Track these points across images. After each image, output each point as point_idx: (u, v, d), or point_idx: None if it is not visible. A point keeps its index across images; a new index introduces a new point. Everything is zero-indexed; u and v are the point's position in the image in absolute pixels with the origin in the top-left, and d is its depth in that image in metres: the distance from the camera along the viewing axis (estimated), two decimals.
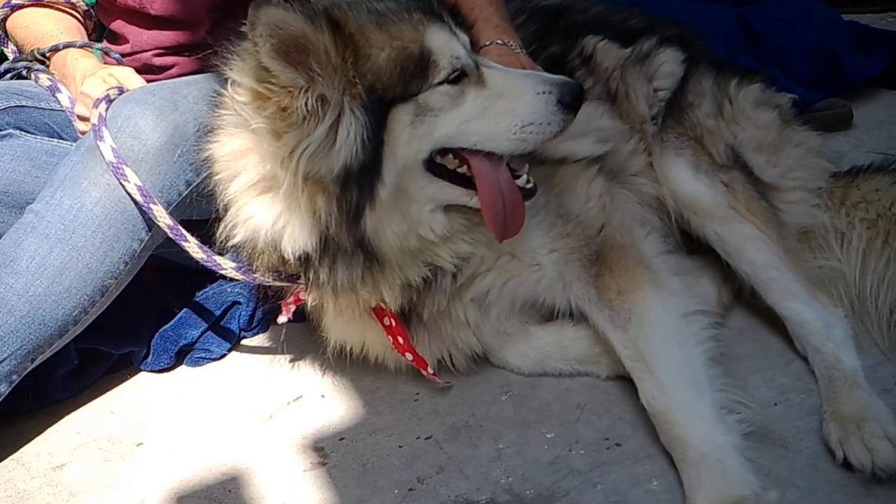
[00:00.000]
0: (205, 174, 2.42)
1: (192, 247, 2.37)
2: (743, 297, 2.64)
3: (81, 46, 2.82)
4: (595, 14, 2.96)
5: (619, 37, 2.83)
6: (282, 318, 2.45)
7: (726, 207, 2.53)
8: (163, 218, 2.37)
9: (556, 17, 2.86)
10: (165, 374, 2.84)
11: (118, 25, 2.87)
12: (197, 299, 2.90)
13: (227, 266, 2.36)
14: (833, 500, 1.96)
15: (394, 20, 2.04)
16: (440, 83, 2.03)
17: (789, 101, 2.89)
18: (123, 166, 2.36)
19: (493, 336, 2.48)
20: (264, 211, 2.10)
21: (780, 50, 3.92)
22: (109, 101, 2.49)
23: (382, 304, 2.27)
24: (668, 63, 2.80)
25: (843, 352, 2.29)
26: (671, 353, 2.20)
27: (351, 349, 2.50)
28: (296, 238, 2.07)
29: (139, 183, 2.37)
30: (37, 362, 2.41)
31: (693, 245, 2.69)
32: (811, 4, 4.35)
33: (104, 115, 2.43)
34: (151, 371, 2.83)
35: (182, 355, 2.86)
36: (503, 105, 2.07)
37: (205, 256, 2.36)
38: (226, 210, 2.20)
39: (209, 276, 2.96)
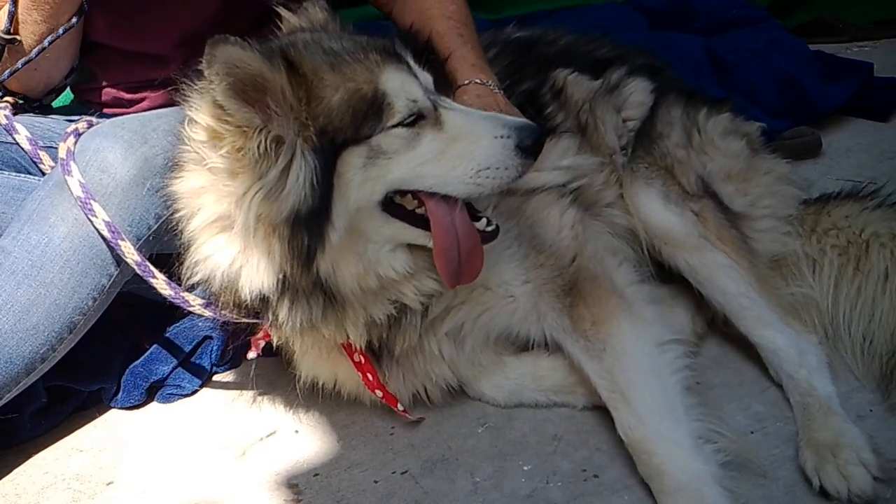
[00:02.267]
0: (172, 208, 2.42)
1: (160, 283, 2.34)
2: (717, 325, 2.65)
3: None
4: (565, 45, 2.98)
5: (590, 68, 2.85)
6: (251, 355, 2.42)
7: (697, 237, 2.54)
8: (131, 254, 2.34)
9: (526, 49, 2.87)
10: (136, 411, 2.79)
11: (87, 60, 2.85)
12: (167, 335, 2.86)
13: (194, 303, 2.33)
14: None
15: (348, 61, 2.01)
16: (394, 126, 1.99)
17: (758, 129, 2.93)
18: (91, 201, 2.33)
19: (468, 368, 2.46)
20: (222, 250, 2.08)
21: (749, 79, 3.99)
22: (78, 134, 2.47)
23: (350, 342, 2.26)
24: (637, 93, 2.82)
25: (817, 378, 2.30)
26: (647, 382, 2.20)
27: (323, 384, 2.48)
28: (252, 279, 2.04)
29: (107, 219, 2.34)
30: (3, 401, 2.36)
31: (666, 274, 2.68)
32: (778, 34, 4.44)
33: (72, 148, 2.41)
34: (122, 408, 2.78)
35: (153, 391, 2.81)
36: (460, 148, 2.02)
37: (172, 293, 2.33)
38: (187, 247, 2.18)
39: (180, 311, 2.94)
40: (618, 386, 2.21)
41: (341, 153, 1.96)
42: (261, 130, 1.91)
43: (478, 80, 2.48)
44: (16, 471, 2.57)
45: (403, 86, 2.02)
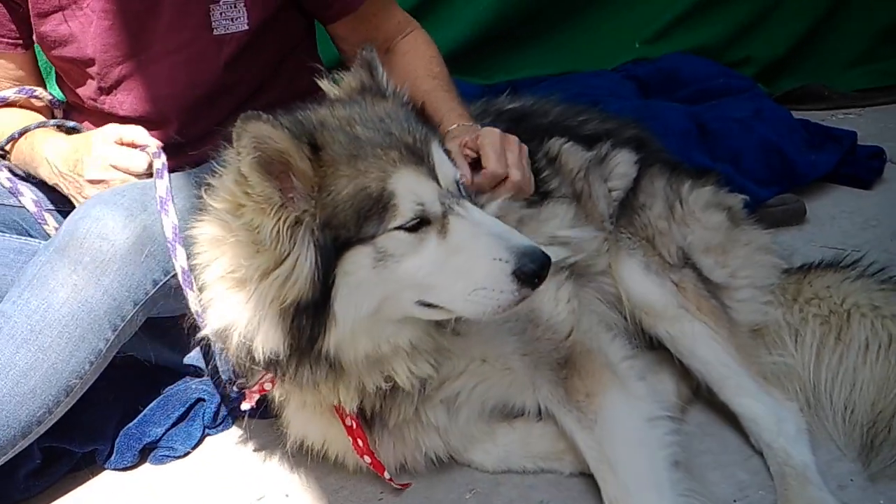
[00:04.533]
0: (173, 272, 2.48)
1: (195, 297, 2.35)
2: (702, 393, 2.68)
3: (38, 127, 2.85)
4: (556, 116, 3.06)
5: (581, 140, 2.92)
6: (245, 406, 2.44)
7: (676, 307, 2.60)
8: (182, 261, 2.40)
9: (519, 120, 2.95)
10: (129, 473, 2.80)
11: (87, 125, 2.92)
12: (162, 396, 2.90)
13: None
14: None
15: (366, 155, 1.99)
16: (396, 228, 1.97)
17: (741, 201, 2.99)
18: (169, 203, 2.44)
19: (459, 439, 2.49)
20: (238, 308, 2.08)
21: (734, 147, 4.05)
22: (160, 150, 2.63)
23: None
24: (622, 164, 2.89)
25: (795, 447, 2.34)
26: (635, 455, 2.23)
27: (311, 445, 2.50)
28: (267, 342, 2.06)
29: (176, 223, 2.43)
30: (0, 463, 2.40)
31: (652, 342, 2.74)
32: (763, 104, 4.54)
33: (165, 162, 2.57)
34: (115, 469, 2.79)
35: (146, 453, 2.83)
36: (459, 263, 1.98)
37: (201, 310, 2.32)
38: (200, 290, 2.22)
39: (174, 373, 2.99)
40: (606, 457, 2.25)
41: (347, 251, 1.97)
42: (279, 209, 1.94)
43: (462, 124, 2.59)
44: None
45: (414, 188, 1.98)
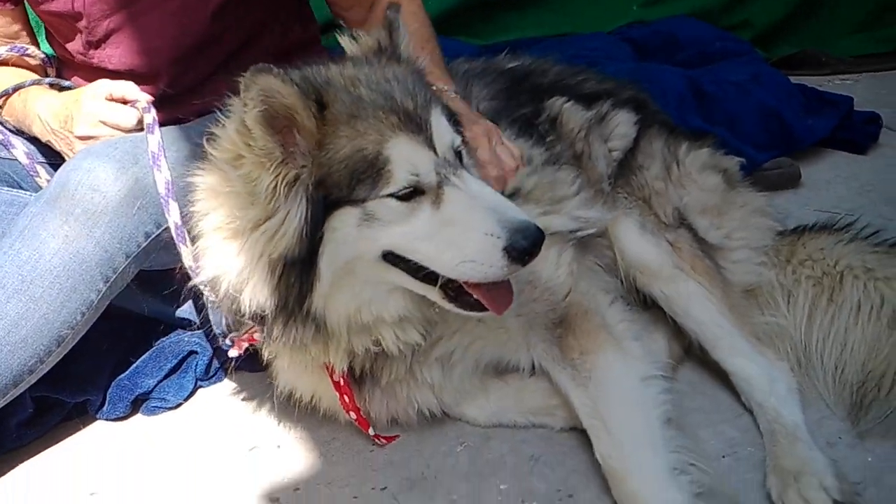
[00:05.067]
0: (165, 225, 2.47)
1: (188, 252, 2.36)
2: (693, 351, 2.69)
3: (32, 84, 2.83)
4: (555, 76, 3.04)
5: (580, 99, 2.91)
6: (233, 353, 2.45)
7: (671, 267, 2.60)
8: (175, 216, 2.39)
9: (521, 79, 2.93)
10: (121, 423, 2.82)
11: (76, 80, 2.89)
12: (154, 348, 2.90)
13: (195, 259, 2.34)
14: None
15: (367, 116, 1.98)
16: (388, 195, 1.97)
17: (737, 164, 3.00)
18: (161, 158, 2.42)
19: (452, 395, 2.50)
20: (230, 260, 2.09)
21: (731, 112, 4.05)
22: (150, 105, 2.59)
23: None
24: (622, 125, 2.88)
25: (785, 406, 2.35)
26: (628, 413, 2.25)
27: (300, 398, 2.51)
28: (255, 296, 2.07)
29: (168, 178, 2.41)
30: None
31: (645, 302, 2.75)
32: (761, 68, 4.53)
33: (155, 117, 2.53)
34: (107, 420, 2.81)
35: (138, 404, 2.84)
36: (450, 234, 1.97)
37: (194, 265, 2.33)
38: (195, 240, 2.23)
39: (167, 325, 2.99)
40: (600, 414, 2.26)
41: (336, 210, 1.97)
42: (279, 164, 1.94)
43: (440, 86, 2.51)
44: (0, 480, 2.58)
45: (409, 157, 1.97)
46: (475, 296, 2.07)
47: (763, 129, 4.00)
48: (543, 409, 2.50)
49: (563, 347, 2.38)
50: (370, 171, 1.95)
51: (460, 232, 1.97)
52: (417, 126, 2.02)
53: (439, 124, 2.07)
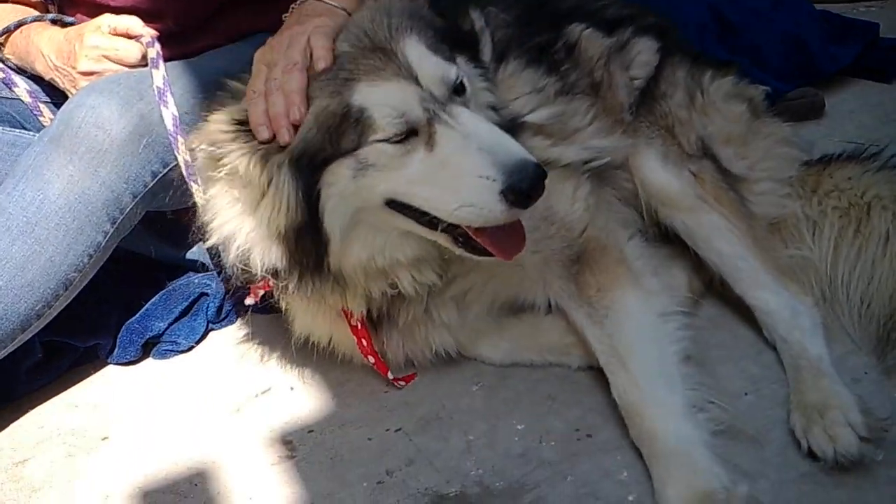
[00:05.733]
0: (174, 163, 2.42)
1: (199, 190, 2.33)
2: (714, 287, 2.63)
3: (34, 21, 2.75)
4: (574, 2, 2.92)
5: (601, 25, 2.80)
6: (249, 301, 2.42)
7: (694, 197, 2.52)
8: (183, 152, 2.36)
9: (539, 5, 2.81)
10: (132, 367, 2.80)
11: (80, 18, 2.81)
12: (164, 291, 2.87)
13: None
14: (802, 491, 1.96)
15: (315, 79, 1.95)
16: (379, 141, 1.90)
17: (762, 93, 2.89)
18: (167, 93, 2.40)
19: (468, 334, 2.46)
20: (238, 222, 2.07)
21: (753, 40, 3.91)
22: (154, 39, 2.56)
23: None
24: (644, 52, 2.77)
25: (810, 340, 2.29)
26: (645, 349, 2.19)
27: (317, 341, 2.48)
28: (264, 257, 2.05)
29: (175, 113, 2.39)
30: None
31: (665, 235, 2.67)
32: None
33: (159, 51, 2.50)
34: (117, 364, 2.79)
35: (149, 348, 2.82)
36: (445, 177, 1.88)
37: (205, 202, 2.29)
38: (205, 192, 2.20)
39: (176, 268, 2.95)
40: (616, 351, 2.20)
41: (328, 166, 1.93)
42: (248, 151, 1.96)
43: None
44: (11, 426, 2.59)
45: (385, 98, 1.89)
46: (480, 242, 1.99)
47: (786, 58, 3.87)
48: (559, 348, 2.45)
49: (579, 284, 2.32)
50: (347, 124, 1.89)
51: (454, 175, 1.88)
52: (384, 61, 1.93)
53: (417, 54, 1.95)
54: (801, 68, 3.86)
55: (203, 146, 2.01)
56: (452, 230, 2.01)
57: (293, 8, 2.25)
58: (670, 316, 2.27)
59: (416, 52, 1.95)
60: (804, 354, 2.26)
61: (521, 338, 2.50)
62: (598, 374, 2.31)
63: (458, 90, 1.98)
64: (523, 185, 1.82)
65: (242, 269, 2.15)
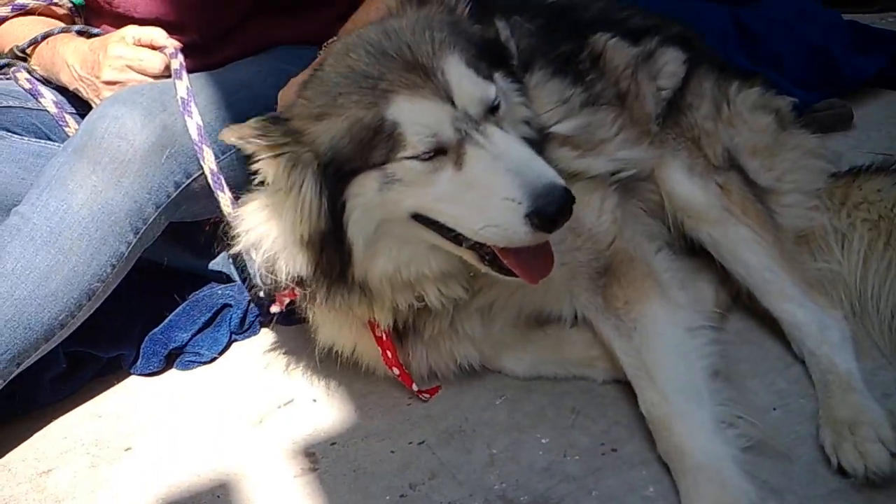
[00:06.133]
0: (197, 173, 2.42)
1: (226, 199, 2.39)
2: (741, 300, 2.60)
3: (61, 32, 2.78)
4: (598, 11, 2.91)
5: (625, 35, 2.78)
6: (274, 308, 2.42)
7: (720, 209, 2.50)
8: (210, 162, 2.41)
9: (562, 14, 2.80)
10: (155, 378, 2.80)
11: (105, 28, 2.83)
12: (187, 302, 2.87)
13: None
14: None
15: (355, 90, 1.92)
16: (408, 158, 1.89)
17: (789, 104, 2.86)
18: (191, 103, 2.43)
19: (492, 347, 2.45)
20: (265, 228, 2.09)
21: (777, 50, 3.89)
22: (178, 50, 2.60)
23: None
24: (672, 63, 2.76)
25: (839, 355, 2.25)
26: (674, 363, 2.17)
27: (340, 351, 2.47)
28: (290, 265, 2.07)
29: (200, 123, 2.43)
30: (22, 367, 2.36)
31: (692, 248, 2.64)
32: (808, 5, 4.34)
33: (183, 62, 2.54)
34: (141, 374, 2.79)
35: (172, 358, 2.82)
36: (472, 198, 1.87)
37: (234, 212, 2.33)
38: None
39: (200, 278, 2.95)
40: (644, 364, 2.18)
41: (355, 177, 1.92)
42: (279, 157, 1.97)
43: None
44: (35, 436, 2.59)
45: (418, 117, 1.87)
46: (507, 262, 1.98)
47: (811, 69, 3.83)
48: (584, 361, 2.43)
49: (606, 297, 2.30)
50: (379, 138, 1.88)
51: (482, 196, 1.86)
52: (423, 78, 1.90)
53: (457, 73, 1.91)
54: (827, 78, 3.82)
55: (233, 138, 2.00)
56: (479, 247, 2.00)
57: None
58: (698, 330, 2.25)
59: (457, 70, 1.92)
60: (833, 369, 2.22)
61: (545, 350, 2.47)
62: (622, 387, 2.30)
63: (493, 108, 1.96)
64: (549, 210, 1.80)
65: (269, 277, 2.16)
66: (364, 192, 1.94)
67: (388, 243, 2.04)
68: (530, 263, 1.98)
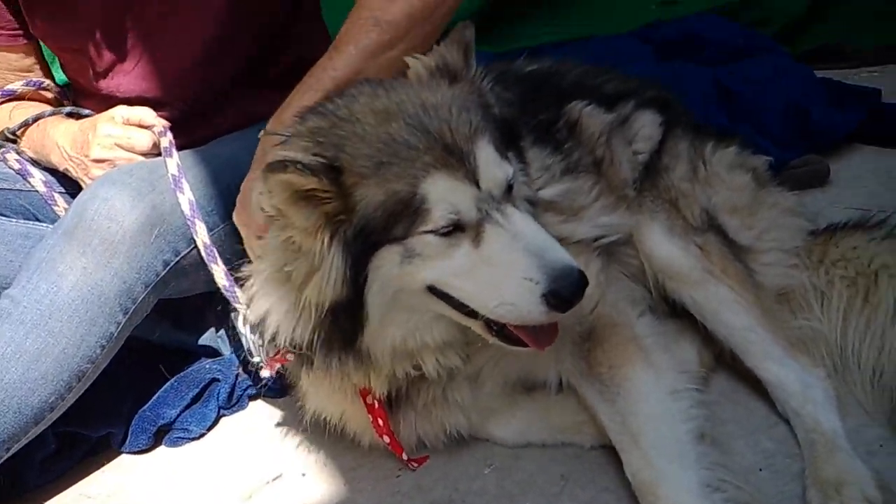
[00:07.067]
0: (186, 251, 2.46)
1: (219, 272, 2.41)
2: (725, 359, 2.60)
3: (52, 115, 2.84)
4: (575, 77, 2.97)
5: (601, 101, 2.83)
6: (265, 373, 2.40)
7: (701, 271, 2.52)
8: (202, 237, 2.43)
9: (541, 83, 2.86)
10: (144, 456, 2.80)
11: (91, 106, 2.89)
12: (175, 378, 2.88)
13: (243, 302, 2.35)
14: None
15: (398, 160, 1.92)
16: (427, 232, 1.91)
17: (765, 162, 2.90)
18: (182, 180, 2.47)
19: (480, 414, 2.46)
20: (275, 295, 2.10)
21: (755, 109, 3.95)
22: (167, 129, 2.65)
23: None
24: (647, 126, 2.80)
25: (823, 414, 2.27)
26: (658, 427, 2.18)
27: (328, 419, 2.47)
28: (299, 332, 2.07)
29: (192, 199, 2.46)
30: (12, 451, 2.37)
31: (674, 309, 2.67)
32: (784, 62, 4.43)
33: (172, 140, 2.59)
34: (130, 452, 2.80)
35: (161, 435, 2.82)
36: (488, 275, 1.90)
37: (227, 284, 2.38)
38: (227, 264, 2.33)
39: (188, 353, 2.97)
40: (628, 429, 2.19)
41: (378, 250, 1.94)
42: (320, 230, 1.93)
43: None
44: None
45: (448, 195, 1.90)
46: (515, 332, 2.02)
47: (789, 126, 3.89)
48: (571, 427, 2.44)
49: (590, 361, 2.31)
50: (407, 211, 1.90)
51: (499, 274, 1.90)
52: (458, 159, 1.93)
53: (486, 157, 1.96)
54: (804, 135, 3.88)
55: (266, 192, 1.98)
56: (488, 319, 2.02)
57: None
58: (682, 393, 2.26)
59: (485, 154, 1.96)
60: (818, 428, 2.24)
61: (532, 417, 2.48)
62: (610, 452, 2.29)
63: (509, 188, 2.02)
64: (565, 292, 1.85)
65: (270, 346, 2.19)
66: (385, 264, 1.95)
67: (400, 313, 2.06)
68: (538, 332, 2.02)
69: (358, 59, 2.24)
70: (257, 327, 2.21)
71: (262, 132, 2.28)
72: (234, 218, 2.35)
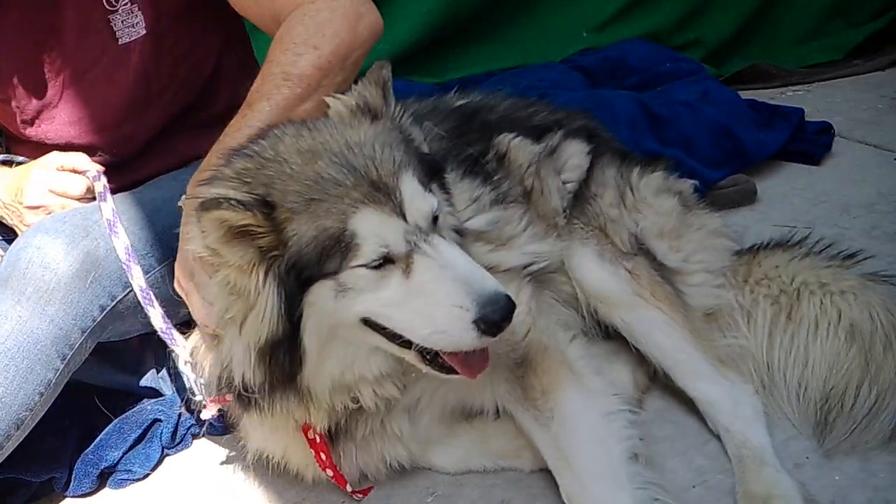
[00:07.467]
0: (122, 295, 2.47)
1: (157, 314, 2.39)
2: (659, 379, 2.68)
3: None
4: (504, 110, 3.03)
5: (530, 133, 2.89)
6: (205, 414, 2.41)
7: (631, 294, 2.59)
8: (138, 279, 2.42)
9: (470, 117, 2.91)
10: (89, 499, 2.76)
11: (24, 153, 2.88)
12: (118, 420, 2.86)
13: (181, 344, 2.36)
14: None
15: (327, 196, 1.94)
16: (358, 266, 1.94)
17: (691, 186, 3.00)
18: (118, 224, 2.47)
19: (420, 444, 2.49)
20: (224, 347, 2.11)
21: (683, 132, 4.07)
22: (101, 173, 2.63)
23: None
24: (575, 156, 2.86)
25: (752, 429, 2.35)
26: (590, 450, 2.23)
27: (270, 457, 2.48)
28: (245, 369, 2.06)
29: (128, 243, 2.44)
30: None
31: (607, 332, 2.73)
32: (711, 85, 4.57)
33: (106, 185, 2.59)
34: (74, 496, 2.75)
35: (105, 478, 2.79)
36: (420, 304, 1.94)
37: (164, 327, 2.38)
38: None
39: (129, 396, 2.96)
40: (562, 453, 2.24)
41: (312, 285, 1.96)
42: (255, 267, 1.94)
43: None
44: None
45: (377, 230, 1.93)
46: (448, 360, 2.06)
47: (716, 147, 4.02)
48: (510, 452, 2.48)
49: (524, 387, 2.35)
50: (338, 246, 1.93)
51: (430, 302, 1.94)
52: (385, 194, 1.97)
53: (411, 190, 2.00)
54: (732, 156, 4.01)
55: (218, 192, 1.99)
56: (422, 349, 2.05)
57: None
58: (615, 415, 2.31)
59: (410, 188, 2.00)
60: (747, 444, 2.32)
61: (471, 444, 2.52)
62: (550, 475, 2.33)
63: (434, 219, 2.06)
64: (495, 316, 1.89)
65: (210, 386, 2.20)
66: (319, 300, 1.97)
67: (337, 347, 2.08)
68: (469, 360, 2.06)
69: (272, 115, 2.23)
70: (196, 368, 2.23)
71: (182, 198, 2.26)
72: (176, 287, 2.32)
